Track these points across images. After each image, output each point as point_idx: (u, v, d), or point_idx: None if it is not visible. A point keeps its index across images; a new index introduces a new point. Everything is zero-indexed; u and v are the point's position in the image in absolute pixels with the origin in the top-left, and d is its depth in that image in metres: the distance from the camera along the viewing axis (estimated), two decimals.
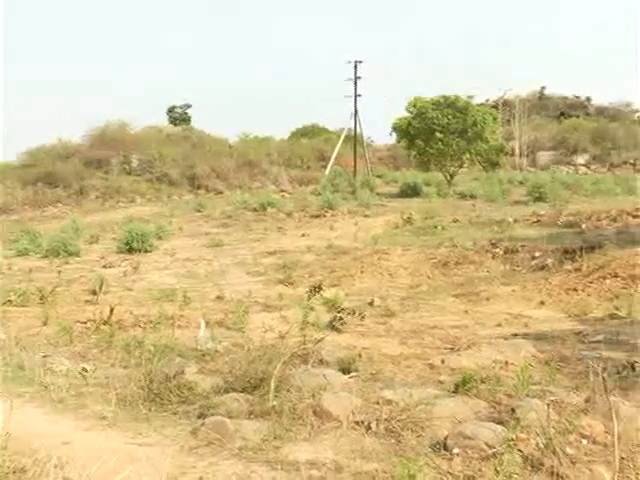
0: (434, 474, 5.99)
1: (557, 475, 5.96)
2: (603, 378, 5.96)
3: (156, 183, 55.03)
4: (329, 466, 6.32)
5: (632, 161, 74.74)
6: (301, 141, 77.15)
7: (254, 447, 6.75)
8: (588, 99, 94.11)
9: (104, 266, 21.80)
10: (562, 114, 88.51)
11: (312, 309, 10.46)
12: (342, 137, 65.49)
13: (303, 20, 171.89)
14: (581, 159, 76.21)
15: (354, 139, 63.81)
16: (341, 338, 11.18)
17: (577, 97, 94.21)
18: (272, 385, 7.77)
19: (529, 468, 6.13)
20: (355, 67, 62.75)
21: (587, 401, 7.69)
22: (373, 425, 7.12)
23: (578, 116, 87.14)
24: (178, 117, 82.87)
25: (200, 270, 20.95)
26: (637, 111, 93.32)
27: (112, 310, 13.15)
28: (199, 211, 39.11)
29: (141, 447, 6.81)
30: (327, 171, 62.40)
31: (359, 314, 9.31)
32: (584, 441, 6.73)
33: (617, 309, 13.71)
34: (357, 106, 63.81)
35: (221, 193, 54.09)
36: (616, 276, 16.11)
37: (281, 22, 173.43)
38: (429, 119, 50.55)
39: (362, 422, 7.22)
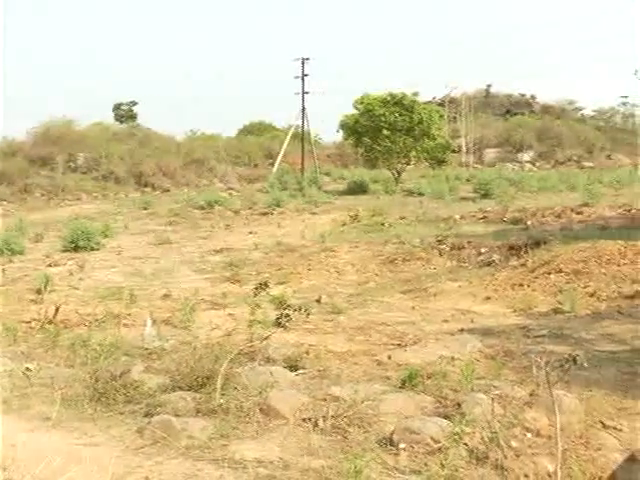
0: (380, 469, 6.03)
1: (502, 468, 6.04)
2: (546, 372, 6.03)
3: (102, 181, 54.55)
4: (276, 464, 6.33)
5: (576, 158, 75.81)
6: (249, 139, 77.00)
7: (201, 445, 6.73)
8: (533, 97, 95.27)
9: (49, 265, 21.50)
10: (508, 112, 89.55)
11: (259, 307, 10.44)
12: (290, 134, 65.43)
13: (252, 18, 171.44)
14: (526, 156, 77.13)
15: (301, 136, 63.78)
16: (288, 336, 11.17)
17: (522, 95, 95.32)
18: (219, 383, 7.75)
19: (474, 461, 6.20)
20: (303, 64, 62.72)
21: (531, 395, 7.80)
22: (320, 422, 7.14)
23: (523, 114, 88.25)
24: (124, 115, 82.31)
25: (147, 268, 20.79)
26: (581, 109, 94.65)
27: (57, 309, 13.01)
28: (146, 209, 38.82)
29: (86, 447, 6.75)
30: (275, 169, 62.35)
31: (305, 311, 9.29)
32: (528, 434, 6.83)
33: (561, 304, 13.88)
34: (305, 103, 63.80)
35: (168, 191, 53.81)
36: (560, 271, 16.31)
37: (229, 20, 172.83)
38: (376, 117, 50.76)
39: (309, 419, 7.24)
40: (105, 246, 25.56)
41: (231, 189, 52.97)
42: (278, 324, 9.01)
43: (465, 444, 6.40)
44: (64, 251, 24.43)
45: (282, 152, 64.42)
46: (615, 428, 7.47)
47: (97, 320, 12.84)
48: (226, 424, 7.13)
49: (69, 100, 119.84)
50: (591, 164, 71.45)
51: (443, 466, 5.91)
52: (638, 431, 7.43)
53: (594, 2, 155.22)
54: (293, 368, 9.32)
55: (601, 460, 6.38)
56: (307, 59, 63.11)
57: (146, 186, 55.41)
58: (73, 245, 24.65)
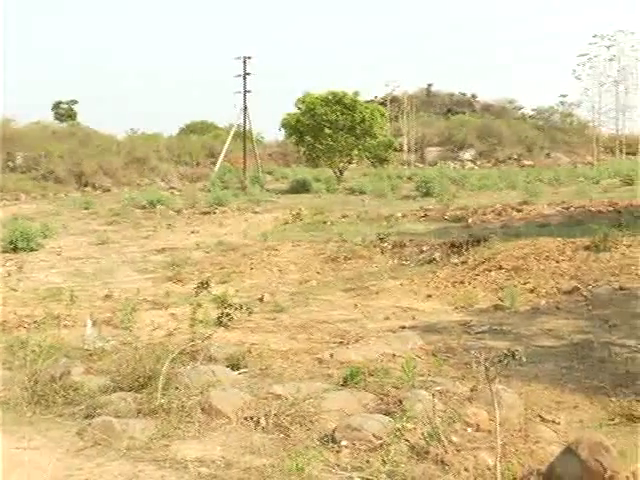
0: (322, 467, 6.04)
1: (442, 463, 6.09)
2: (486, 367, 6.10)
3: (42, 181, 53.72)
4: (218, 463, 6.31)
5: (516, 156, 76.71)
6: (190, 138, 76.54)
7: (142, 446, 6.68)
8: (474, 96, 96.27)
9: None
10: (449, 111, 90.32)
11: (200, 306, 10.40)
12: (231, 133, 65.19)
13: (194, 17, 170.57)
14: (467, 155, 77.86)
15: (243, 135, 63.58)
16: (231, 335, 11.16)
17: (463, 94, 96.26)
18: (160, 383, 7.70)
19: (415, 457, 6.25)
20: (244, 63, 62.49)
21: (472, 390, 7.89)
22: (262, 420, 7.14)
23: (464, 113, 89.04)
24: (64, 113, 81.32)
25: (88, 268, 20.59)
26: (521, 108, 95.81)
27: None
28: (87, 209, 38.33)
29: (25, 451, 6.65)
30: (217, 167, 62.05)
31: (246, 309, 9.28)
32: (469, 429, 6.91)
33: (501, 300, 14.06)
34: (246, 102, 63.60)
35: (109, 191, 53.22)
36: (500, 268, 16.52)
37: (171, 18, 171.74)
38: (318, 115, 50.89)
39: (251, 418, 7.23)
40: (45, 247, 25.21)
41: (173, 188, 52.66)
42: (219, 323, 9.00)
43: (406, 440, 6.45)
44: (2, 252, 24.04)
45: (224, 151, 64.11)
46: (553, 421, 7.59)
47: (36, 321, 12.65)
48: (167, 424, 7.08)
49: (6, 99, 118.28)
50: (531, 162, 72.29)
51: (385, 462, 5.95)
52: (575, 424, 7.56)
53: (534, 2, 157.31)
54: (235, 367, 9.30)
55: (539, 453, 6.47)
56: (249, 58, 62.90)
57: (87, 186, 54.75)
58: (12, 246, 24.26)
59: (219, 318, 9.04)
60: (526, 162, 73.21)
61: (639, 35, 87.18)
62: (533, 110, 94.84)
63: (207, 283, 9.67)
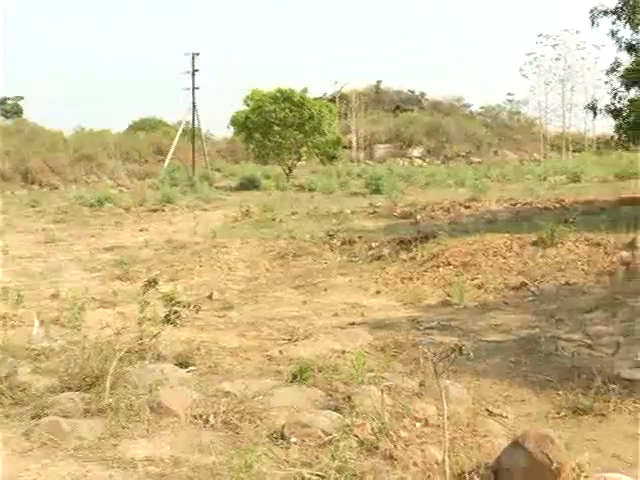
0: (271, 463, 6.04)
1: (391, 457, 6.12)
2: (433, 362, 6.15)
3: None
4: (167, 461, 6.27)
5: (464, 154, 77.34)
6: (139, 134, 75.96)
7: (90, 446, 6.61)
8: (422, 94, 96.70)
9: None
10: (398, 108, 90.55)
11: (148, 304, 10.32)
12: (180, 130, 64.84)
13: (141, 13, 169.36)
14: (416, 152, 78.30)
15: (192, 132, 63.29)
16: (179, 332, 11.08)
17: (412, 92, 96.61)
18: (108, 382, 7.63)
19: (365, 452, 6.27)
20: (192, 59, 62.17)
21: (420, 385, 7.94)
22: (211, 418, 7.11)
23: (413, 110, 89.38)
24: (9, 110, 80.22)
25: (34, 267, 20.32)
26: (469, 106, 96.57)
27: None
28: (33, 207, 37.88)
29: None
30: (165, 165, 61.67)
31: (194, 307, 9.24)
32: (417, 424, 6.95)
33: (450, 296, 14.16)
34: (195, 99, 63.29)
35: (56, 188, 52.65)
36: (449, 264, 16.63)
37: (118, 15, 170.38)
38: (266, 113, 50.85)
39: (200, 416, 7.20)
40: None
41: (121, 186, 52.27)
42: (168, 321, 8.94)
43: (355, 435, 6.47)
44: None
45: (173, 148, 63.74)
46: (501, 415, 7.68)
47: None
48: (116, 423, 7.02)
49: None
50: (479, 160, 72.92)
51: (334, 458, 5.95)
52: (522, 417, 7.65)
53: (482, 2, 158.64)
54: (184, 365, 9.25)
55: (487, 446, 6.54)
56: (197, 54, 62.59)
57: (33, 183, 54.11)
58: None
59: (167, 316, 8.98)
60: (474, 159, 73.84)
61: (584, 34, 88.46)
62: (481, 108, 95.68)
63: (155, 281, 9.60)
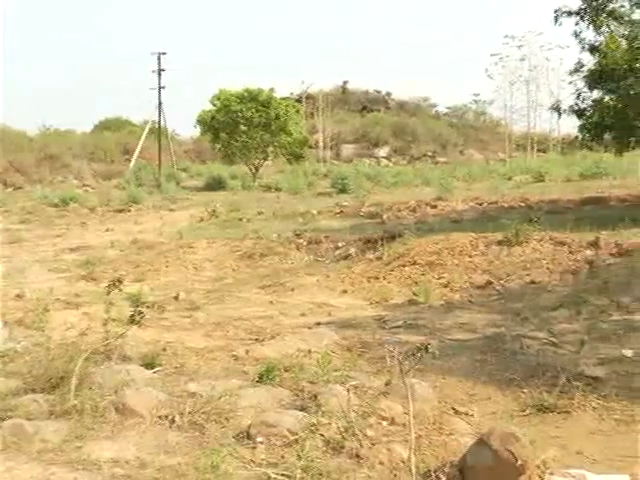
0: (237, 463, 6.03)
1: (357, 456, 6.13)
2: (399, 361, 6.17)
3: None
4: (132, 463, 6.24)
5: (430, 153, 77.71)
6: (105, 134, 75.52)
7: (54, 448, 6.55)
8: (389, 94, 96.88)
9: None
10: (364, 108, 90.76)
11: (113, 304, 10.26)
12: (146, 130, 64.56)
13: (107, 12, 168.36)
14: (383, 152, 78.51)
15: (158, 132, 63.01)
16: (145, 333, 11.04)
17: (378, 92, 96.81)
18: (73, 384, 7.57)
19: (331, 451, 6.28)
20: (159, 59, 61.90)
21: (387, 384, 7.96)
22: (177, 419, 7.08)
23: (379, 110, 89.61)
24: None
25: None
26: (435, 106, 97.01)
27: None
28: None
29: None
30: (131, 165, 61.40)
31: (160, 307, 9.23)
32: (384, 422, 6.96)
33: (416, 295, 14.20)
34: (161, 99, 63.02)
35: (21, 188, 52.20)
36: (415, 264, 16.68)
37: (83, 13, 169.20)
38: (233, 112, 50.73)
39: (166, 416, 7.16)
40: None
41: (87, 186, 51.93)
42: (132, 321, 8.90)
43: (321, 435, 6.47)
44: None
45: (139, 148, 63.47)
46: (466, 413, 7.71)
47: None
48: (81, 425, 6.97)
49: None
50: (445, 159, 73.27)
51: (300, 457, 5.95)
52: (488, 415, 7.69)
53: (447, 2, 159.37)
54: (150, 366, 9.20)
55: (453, 444, 6.56)
56: (163, 54, 62.31)
57: None
58: None
59: (133, 316, 8.93)
60: (440, 159, 74.19)
61: (548, 35, 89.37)
62: (447, 108, 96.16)
63: (120, 281, 9.54)
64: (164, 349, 10.24)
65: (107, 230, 27.81)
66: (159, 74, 62.20)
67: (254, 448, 6.38)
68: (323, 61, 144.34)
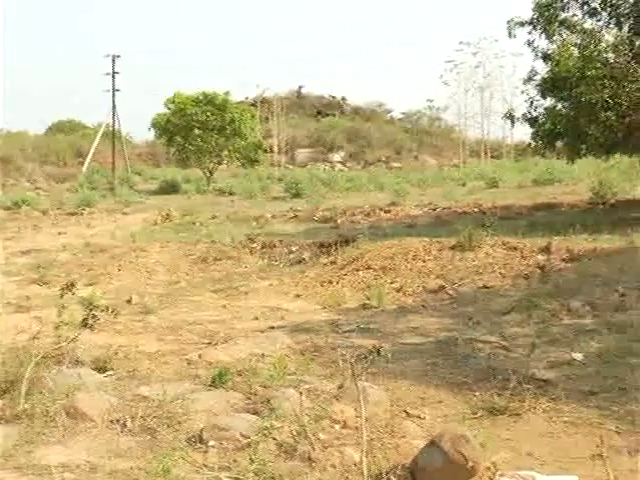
0: (189, 467, 6.01)
1: (310, 460, 6.14)
2: (351, 364, 6.19)
3: None
4: (83, 467, 6.19)
5: (385, 159, 78.08)
6: (58, 137, 74.88)
7: (4, 453, 6.48)
8: (344, 99, 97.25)
9: None
10: (319, 113, 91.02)
11: (66, 308, 10.17)
12: (100, 133, 64.13)
13: (61, 13, 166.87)
14: (337, 157, 78.82)
15: (112, 135, 62.62)
16: (97, 337, 10.93)
17: (333, 97, 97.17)
18: (23, 388, 7.50)
19: (283, 455, 6.28)
20: (113, 61, 61.59)
21: (339, 388, 7.97)
22: (129, 423, 7.04)
23: (334, 115, 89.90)
24: None
25: None
26: (390, 111, 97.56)
27: None
28: None
29: None
30: (85, 168, 60.98)
31: (112, 311, 9.16)
32: (336, 426, 6.98)
33: (369, 299, 14.25)
34: (115, 101, 62.63)
35: None
36: (369, 268, 16.75)
37: (37, 15, 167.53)
38: (188, 116, 50.55)
39: (117, 420, 7.12)
40: None
41: (39, 189, 51.46)
42: (85, 325, 8.83)
43: (274, 438, 6.48)
44: None
45: (92, 151, 63.06)
46: (418, 416, 7.75)
47: None
48: (31, 430, 6.90)
49: None
50: (399, 165, 73.71)
51: (252, 461, 5.95)
52: (439, 418, 7.74)
53: (402, 7, 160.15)
54: (102, 370, 9.14)
55: (404, 447, 6.59)
56: (118, 56, 62.08)
57: None
58: None
59: (84, 320, 8.87)
60: (395, 164, 74.60)
61: (503, 43, 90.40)
62: (402, 114, 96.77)
63: (72, 284, 9.47)
64: (116, 353, 10.15)
65: (60, 233, 27.54)
66: (113, 77, 61.98)
67: (206, 452, 6.37)
68: (278, 65, 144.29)
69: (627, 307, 12.22)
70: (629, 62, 20.10)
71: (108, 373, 9.07)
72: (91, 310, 8.99)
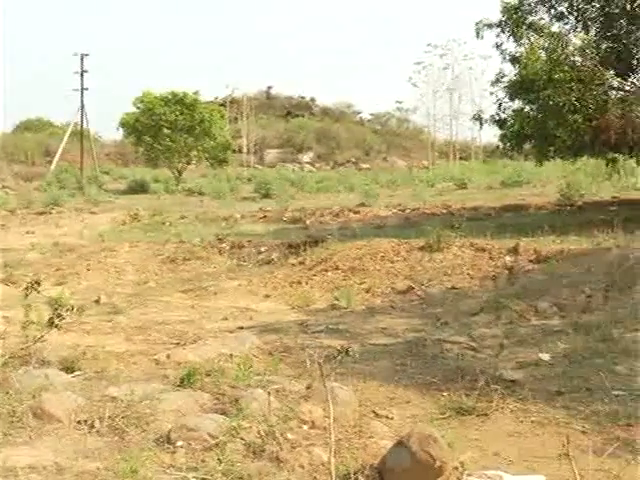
0: (157, 468, 5.99)
1: (278, 460, 6.14)
2: (319, 364, 6.20)
3: None
4: (50, 469, 6.14)
5: (354, 160, 78.24)
6: (25, 135, 74.32)
7: None
8: (313, 100, 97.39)
9: None
10: (288, 113, 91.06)
11: (32, 307, 10.10)
12: (68, 132, 63.69)
13: (28, 9, 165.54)
14: (307, 157, 78.94)
15: (81, 134, 62.21)
16: (65, 337, 10.88)
17: (302, 97, 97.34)
18: None
19: (251, 455, 6.26)
20: (81, 60, 61.18)
21: (308, 388, 7.97)
22: (97, 423, 6.99)
23: (304, 116, 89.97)
24: None
25: None
26: (359, 113, 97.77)
27: None
28: None
29: None
30: (53, 167, 60.50)
31: (80, 311, 9.11)
32: (304, 426, 6.97)
33: (338, 300, 14.29)
34: (84, 100, 62.23)
35: None
36: (337, 268, 16.79)
37: (9, 13, 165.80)
38: (157, 115, 50.35)
39: (85, 421, 7.06)
40: None
41: (6, 187, 51.00)
42: (52, 325, 8.77)
43: (242, 439, 6.46)
44: None
45: (60, 150, 62.60)
46: (387, 417, 7.78)
47: None
48: None
49: None
50: (368, 166, 73.84)
51: (220, 461, 5.94)
52: (408, 419, 7.78)
53: (371, 8, 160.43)
54: (69, 370, 9.07)
55: (373, 447, 6.61)
56: (86, 55, 61.68)
57: None
58: None
59: (52, 320, 8.81)
60: (364, 165, 74.75)
61: (471, 45, 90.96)
62: (371, 115, 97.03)
63: (38, 283, 9.40)
64: (84, 353, 10.10)
65: (28, 232, 27.32)
66: (82, 75, 61.52)
67: (174, 452, 6.34)
68: (248, 65, 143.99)
69: (593, 308, 12.34)
70: (596, 65, 20.27)
71: (76, 373, 9.01)
72: (57, 309, 8.93)
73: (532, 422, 7.64)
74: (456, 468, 5.85)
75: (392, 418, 7.76)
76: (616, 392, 8.28)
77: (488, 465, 6.35)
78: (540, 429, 7.47)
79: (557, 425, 7.51)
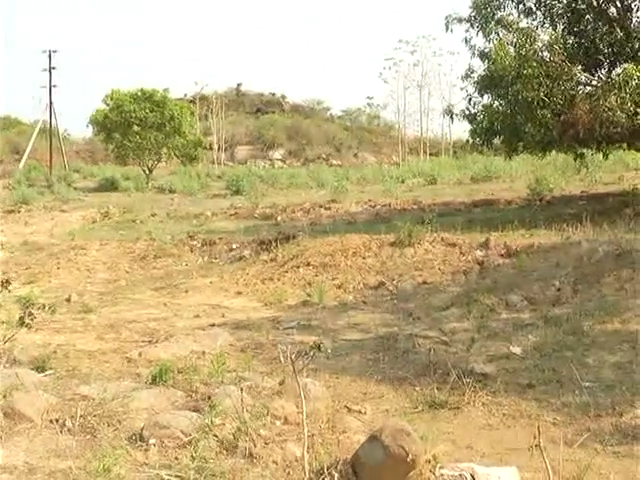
0: (130, 466, 5.97)
1: (251, 456, 6.15)
2: (291, 360, 6.21)
3: None
4: (21, 468, 6.10)
5: (325, 156, 78.15)
6: None
7: None
8: (283, 97, 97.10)
9: None
10: (259, 110, 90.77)
11: (1, 307, 10.05)
12: (37, 130, 63.14)
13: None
14: (277, 154, 78.68)
15: (49, 132, 61.71)
16: (36, 336, 10.83)
17: (273, 94, 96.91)
18: None
19: (224, 452, 6.27)
20: (50, 57, 60.65)
21: (281, 384, 7.99)
22: (68, 422, 6.95)
23: (274, 112, 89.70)
24: None
25: None
26: (329, 109, 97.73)
27: None
28: None
29: None
30: (21, 165, 59.93)
31: (50, 309, 9.04)
32: (277, 422, 6.99)
33: (309, 296, 14.33)
34: (52, 97, 61.75)
35: None
36: (309, 265, 16.81)
37: None
38: (126, 112, 49.97)
39: (57, 420, 7.02)
40: None
41: None
42: (22, 324, 8.71)
43: (215, 435, 6.46)
44: None
45: (29, 148, 62.03)
46: (359, 412, 7.82)
47: None
48: None
49: None
50: (339, 162, 73.75)
51: (193, 458, 5.94)
52: (381, 413, 7.81)
53: (340, 4, 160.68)
54: (40, 369, 9.03)
55: (346, 442, 6.64)
56: (54, 51, 61.12)
57: None
58: None
59: (22, 319, 8.74)
60: (334, 161, 74.64)
61: (440, 41, 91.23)
62: (342, 111, 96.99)
63: (7, 282, 9.33)
64: (55, 352, 10.06)
65: None
66: (50, 72, 60.98)
67: (147, 450, 6.33)
68: (217, 62, 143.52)
69: (563, 301, 12.44)
70: (564, 61, 20.35)
71: (47, 372, 8.97)
72: (28, 308, 8.87)
73: (504, 415, 7.71)
74: (429, 461, 5.88)
75: (365, 413, 7.80)
76: (586, 384, 8.38)
77: (461, 458, 6.40)
78: (512, 421, 7.54)
79: (528, 417, 7.59)
